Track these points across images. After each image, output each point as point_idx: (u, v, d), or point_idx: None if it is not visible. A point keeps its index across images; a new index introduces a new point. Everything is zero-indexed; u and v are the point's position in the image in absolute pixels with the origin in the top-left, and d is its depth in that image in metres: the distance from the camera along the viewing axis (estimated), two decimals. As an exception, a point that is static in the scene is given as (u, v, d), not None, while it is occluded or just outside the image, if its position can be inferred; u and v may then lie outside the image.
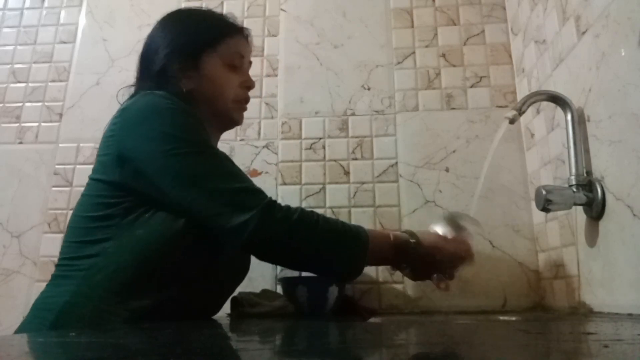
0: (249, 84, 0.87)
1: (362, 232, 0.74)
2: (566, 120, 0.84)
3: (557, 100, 0.86)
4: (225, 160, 0.73)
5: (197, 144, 0.71)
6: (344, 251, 0.73)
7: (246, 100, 0.88)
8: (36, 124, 1.34)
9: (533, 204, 0.97)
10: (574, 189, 0.80)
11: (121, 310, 0.66)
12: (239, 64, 0.85)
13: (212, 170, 0.70)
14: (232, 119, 0.86)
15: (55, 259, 0.76)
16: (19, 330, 0.71)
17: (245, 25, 1.37)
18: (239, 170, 0.74)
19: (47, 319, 0.67)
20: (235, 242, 0.69)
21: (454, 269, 0.79)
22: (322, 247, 0.72)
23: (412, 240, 0.76)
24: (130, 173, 0.71)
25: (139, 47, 0.87)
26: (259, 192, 0.71)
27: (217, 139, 0.90)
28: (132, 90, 0.84)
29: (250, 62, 0.91)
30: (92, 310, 0.66)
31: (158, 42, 0.83)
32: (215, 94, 0.82)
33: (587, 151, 0.82)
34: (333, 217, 1.17)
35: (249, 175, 1.22)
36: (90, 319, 0.66)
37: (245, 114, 1.28)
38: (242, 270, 0.86)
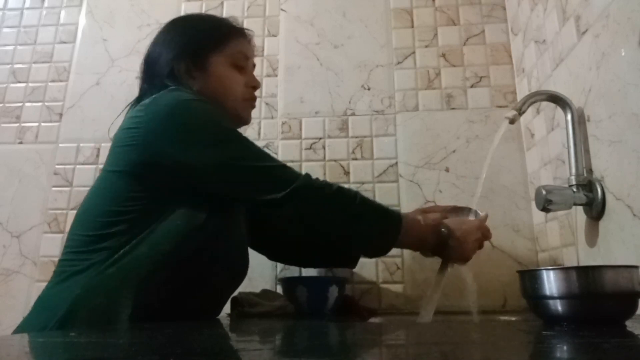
0: (254, 84, 0.89)
1: (399, 214, 0.78)
2: (566, 120, 0.84)
3: (557, 100, 0.86)
4: (255, 145, 0.76)
5: (230, 132, 0.74)
6: (378, 222, 0.76)
7: (253, 99, 0.89)
8: (36, 124, 1.34)
9: (533, 204, 0.97)
10: (574, 189, 0.80)
11: (130, 304, 0.66)
12: (244, 64, 0.87)
13: (249, 154, 0.74)
14: (241, 118, 0.88)
15: (56, 259, 0.76)
16: (22, 328, 0.70)
17: (245, 25, 1.38)
18: (265, 152, 0.79)
19: (56, 314, 0.66)
20: (287, 209, 0.72)
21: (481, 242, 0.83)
22: (359, 217, 0.75)
23: (443, 230, 0.79)
24: (159, 166, 0.71)
25: (139, 47, 0.88)
26: (289, 170, 0.76)
27: None
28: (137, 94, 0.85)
29: (254, 64, 0.93)
30: (103, 304, 0.66)
31: (163, 46, 0.84)
32: (223, 93, 0.84)
33: (587, 151, 0.82)
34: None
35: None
36: (100, 313, 0.66)
37: (245, 114, 1.30)
38: (242, 271, 0.86)
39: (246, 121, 0.89)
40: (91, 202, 0.75)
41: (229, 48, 0.85)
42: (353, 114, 1.26)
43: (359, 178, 1.20)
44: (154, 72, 0.83)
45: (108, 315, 0.66)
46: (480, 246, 0.82)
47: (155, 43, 0.86)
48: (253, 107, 0.90)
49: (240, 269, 0.85)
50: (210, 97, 0.81)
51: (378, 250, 0.81)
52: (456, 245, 0.78)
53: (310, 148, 1.24)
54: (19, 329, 0.70)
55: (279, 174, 0.73)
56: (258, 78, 1.30)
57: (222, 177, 0.72)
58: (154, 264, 0.69)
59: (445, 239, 0.78)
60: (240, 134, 0.76)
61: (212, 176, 0.72)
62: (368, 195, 1.17)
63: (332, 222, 0.75)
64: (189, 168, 0.71)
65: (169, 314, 0.69)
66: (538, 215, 1.09)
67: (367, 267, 1.14)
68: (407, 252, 1.14)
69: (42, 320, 0.68)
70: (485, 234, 0.82)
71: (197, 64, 0.82)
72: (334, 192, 0.74)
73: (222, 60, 0.84)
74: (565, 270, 0.52)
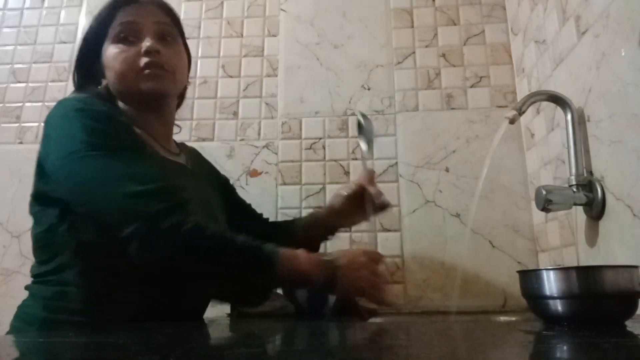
0: (147, 49, 0.76)
1: (270, 249, 0.65)
2: (566, 120, 0.84)
3: (557, 100, 0.86)
4: (132, 160, 0.67)
5: (100, 146, 0.65)
6: (246, 268, 0.64)
7: (150, 65, 0.77)
8: (36, 124, 1.33)
9: (533, 204, 0.97)
10: (574, 189, 0.80)
11: (104, 317, 0.65)
12: (131, 34, 0.78)
13: (112, 174, 0.64)
14: (141, 91, 0.77)
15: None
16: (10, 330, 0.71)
17: (245, 25, 1.38)
18: (148, 170, 0.67)
19: (33, 324, 0.67)
20: (129, 254, 0.62)
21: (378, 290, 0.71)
22: (218, 261, 0.63)
23: (329, 260, 0.68)
24: (48, 182, 0.70)
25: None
26: (153, 197, 0.63)
27: (165, 128, 0.85)
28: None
29: (163, 24, 0.81)
30: (71, 324, 0.65)
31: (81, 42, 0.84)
32: (114, 76, 0.78)
33: (587, 151, 0.82)
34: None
35: (248, 175, 1.23)
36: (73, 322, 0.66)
37: (245, 114, 1.30)
38: None
39: (148, 93, 0.77)
40: (36, 222, 0.74)
41: (111, 29, 0.78)
42: (353, 114, 1.26)
43: (359, 178, 1.20)
44: (73, 75, 0.85)
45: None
46: (374, 273, 0.70)
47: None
48: (152, 75, 0.77)
49: None
50: (112, 86, 0.79)
51: (250, 294, 0.69)
52: (344, 275, 0.67)
53: (310, 148, 1.24)
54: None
55: (130, 206, 0.62)
56: (258, 78, 1.32)
57: (78, 198, 0.66)
58: (100, 276, 0.67)
59: (333, 269, 0.67)
60: (120, 149, 0.67)
61: (72, 195, 0.67)
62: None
63: (188, 264, 0.64)
64: (58, 185, 0.68)
65: (150, 316, 0.67)
66: (538, 215, 1.09)
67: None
68: (407, 252, 1.14)
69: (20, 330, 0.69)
70: (372, 257, 0.71)
71: (97, 56, 0.80)
72: (184, 233, 0.61)
73: (109, 41, 0.78)
74: (565, 270, 0.52)
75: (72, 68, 0.84)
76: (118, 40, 0.78)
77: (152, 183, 0.64)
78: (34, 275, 0.73)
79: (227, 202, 0.93)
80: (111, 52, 0.78)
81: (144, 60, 0.76)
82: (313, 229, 0.94)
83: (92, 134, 0.66)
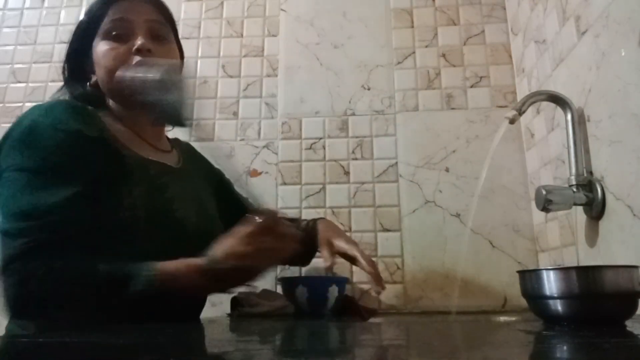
0: (138, 47, 0.74)
1: (144, 269, 0.61)
2: (566, 120, 0.84)
3: (557, 100, 0.86)
4: (32, 189, 0.62)
5: (23, 169, 0.64)
6: (111, 296, 0.60)
7: (137, 63, 0.74)
8: (36, 124, 1.34)
9: (533, 204, 0.97)
10: (574, 189, 0.80)
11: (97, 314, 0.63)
12: (123, 31, 0.75)
13: (8, 198, 0.63)
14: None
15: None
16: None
17: (245, 25, 1.38)
18: (37, 203, 0.62)
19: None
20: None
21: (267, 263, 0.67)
22: (78, 300, 0.60)
23: (208, 262, 0.63)
24: None
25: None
26: (13, 238, 0.60)
27: (156, 128, 0.83)
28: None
29: (155, 22, 0.79)
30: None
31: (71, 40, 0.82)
32: (104, 72, 0.75)
33: (587, 151, 0.82)
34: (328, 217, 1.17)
35: (248, 175, 1.23)
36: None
37: (245, 114, 1.30)
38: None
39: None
40: None
41: (102, 25, 0.76)
42: (353, 114, 1.26)
43: (359, 178, 1.20)
44: (63, 71, 0.83)
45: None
46: (280, 249, 0.64)
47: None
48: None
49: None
50: (101, 84, 0.78)
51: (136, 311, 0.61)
52: (230, 263, 0.62)
53: (310, 148, 1.24)
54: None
55: (10, 240, 0.60)
56: (258, 78, 1.32)
57: None
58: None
59: (217, 268, 0.62)
60: (38, 173, 0.63)
61: None
62: (367, 195, 1.18)
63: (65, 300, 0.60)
64: None
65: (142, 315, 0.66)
66: (538, 215, 1.09)
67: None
68: (407, 252, 1.14)
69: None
70: (257, 234, 0.64)
71: (86, 53, 0.79)
72: (39, 277, 0.58)
73: (99, 38, 0.76)
74: (565, 270, 0.52)
75: (62, 62, 0.82)
76: (109, 37, 0.76)
77: (20, 221, 0.61)
78: None
79: (222, 198, 0.92)
80: (101, 48, 0.76)
81: (134, 58, 0.74)
82: (306, 239, 0.92)
83: (24, 154, 0.65)
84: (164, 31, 0.81)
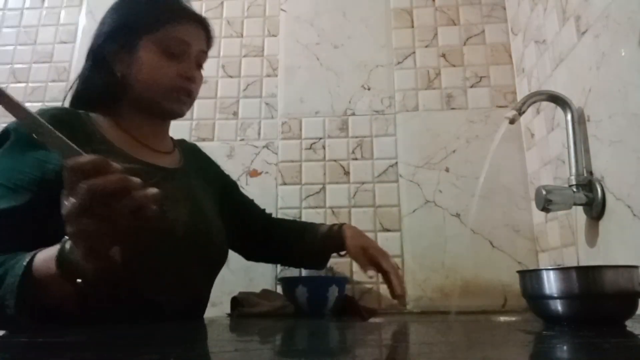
0: (187, 75, 0.78)
1: (12, 275, 0.53)
2: (566, 120, 0.84)
3: (557, 100, 0.86)
4: None
5: None
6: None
7: (184, 90, 0.78)
8: (36, 124, 1.33)
9: (533, 204, 0.97)
10: (574, 189, 0.80)
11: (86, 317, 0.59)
12: (179, 51, 0.78)
13: None
14: (164, 110, 0.79)
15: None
16: None
17: (245, 25, 1.38)
18: None
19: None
20: None
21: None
22: None
23: (60, 254, 0.51)
24: None
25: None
26: None
27: (160, 128, 0.84)
28: None
29: (204, 53, 0.83)
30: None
31: (102, 24, 0.81)
32: (144, 81, 0.77)
33: (587, 151, 0.82)
34: (326, 219, 1.17)
35: (248, 175, 1.23)
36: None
37: (245, 114, 1.30)
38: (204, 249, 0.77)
39: (171, 113, 0.80)
40: None
41: (163, 33, 0.77)
42: (353, 114, 1.26)
43: (359, 178, 1.20)
44: (89, 51, 0.81)
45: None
46: (136, 207, 0.46)
47: (100, 22, 0.82)
48: (185, 101, 0.79)
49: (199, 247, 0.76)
50: (133, 82, 0.77)
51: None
52: (73, 233, 0.47)
53: (310, 148, 1.24)
54: None
55: None
56: (258, 78, 1.32)
57: None
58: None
59: (65, 253, 0.51)
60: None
61: None
62: (367, 195, 1.18)
63: None
64: None
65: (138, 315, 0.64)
66: (538, 215, 1.09)
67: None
68: (407, 252, 1.14)
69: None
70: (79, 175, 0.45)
71: (125, 46, 0.77)
72: None
73: (152, 45, 0.77)
74: (565, 270, 0.52)
75: (101, 38, 0.79)
76: (165, 51, 0.77)
77: None
78: None
79: (228, 200, 0.92)
80: (154, 59, 0.77)
81: (181, 83, 0.78)
82: (330, 244, 0.93)
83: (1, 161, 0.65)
84: (204, 61, 0.84)
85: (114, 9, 0.82)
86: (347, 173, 1.21)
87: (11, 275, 0.53)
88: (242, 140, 1.27)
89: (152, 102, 0.78)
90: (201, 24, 0.82)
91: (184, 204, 0.77)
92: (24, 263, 0.53)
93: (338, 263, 1.15)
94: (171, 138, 0.89)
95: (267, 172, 1.24)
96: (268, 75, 1.32)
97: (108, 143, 0.73)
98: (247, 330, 0.63)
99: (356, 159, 1.22)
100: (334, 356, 0.36)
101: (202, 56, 0.83)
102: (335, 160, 1.22)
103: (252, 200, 1.00)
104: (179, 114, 0.80)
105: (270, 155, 1.25)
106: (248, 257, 1.01)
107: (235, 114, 1.29)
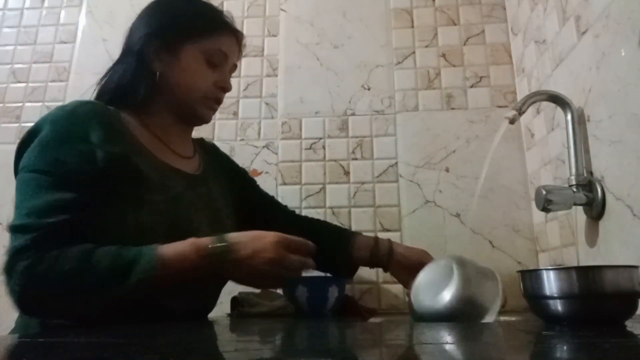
0: (224, 85, 0.83)
1: (146, 257, 0.61)
2: (566, 120, 0.84)
3: (557, 100, 0.86)
4: (47, 188, 0.63)
5: (36, 169, 0.65)
6: (115, 285, 0.60)
7: (217, 100, 0.84)
8: (36, 124, 1.33)
9: (533, 204, 0.97)
10: (574, 189, 0.80)
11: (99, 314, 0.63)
12: (219, 62, 0.82)
13: (18, 200, 0.64)
14: (196, 115, 0.82)
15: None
16: (13, 330, 0.71)
17: (245, 25, 1.38)
18: (52, 200, 0.62)
19: (33, 326, 0.67)
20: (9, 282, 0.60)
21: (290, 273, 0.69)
22: (84, 289, 0.60)
23: (218, 244, 0.64)
24: None
25: (139, 47, 0.87)
26: (22, 232, 0.60)
27: (184, 130, 0.86)
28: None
29: (235, 66, 0.88)
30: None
31: (143, 21, 0.82)
32: (184, 85, 0.79)
33: (587, 151, 0.82)
34: (325, 219, 1.17)
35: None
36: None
37: (245, 114, 1.30)
38: None
39: (202, 119, 0.84)
40: None
41: (209, 43, 0.80)
42: (353, 114, 1.26)
43: (359, 178, 1.20)
44: (127, 46, 0.81)
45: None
46: (282, 266, 0.66)
47: (139, 17, 0.83)
48: (215, 108, 0.85)
49: None
50: (171, 84, 0.79)
51: (127, 303, 0.62)
52: (237, 266, 0.64)
53: (310, 148, 1.24)
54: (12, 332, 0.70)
55: (10, 239, 0.61)
56: (258, 78, 1.32)
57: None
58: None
59: (220, 255, 0.64)
60: (52, 174, 0.64)
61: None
62: (367, 195, 1.18)
63: (54, 295, 0.61)
64: None
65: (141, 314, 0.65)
66: (538, 215, 1.09)
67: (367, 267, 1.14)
68: (407, 252, 1.14)
69: (25, 323, 0.69)
70: (290, 246, 0.67)
71: (169, 47, 0.79)
72: (47, 263, 0.59)
73: (197, 52, 0.80)
74: (565, 270, 0.52)
75: (142, 35, 0.79)
76: (207, 60, 0.81)
77: (31, 217, 0.61)
78: None
79: (246, 196, 0.94)
80: (195, 65, 0.80)
81: (215, 92, 0.82)
82: (366, 258, 0.92)
83: (42, 153, 0.66)
84: (233, 72, 0.88)
85: (158, 7, 0.83)
86: (347, 173, 1.21)
87: (146, 256, 0.61)
88: (242, 140, 1.27)
89: (186, 106, 0.80)
90: (238, 39, 0.86)
91: (205, 213, 0.78)
92: (155, 252, 0.62)
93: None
94: (192, 139, 0.90)
95: (267, 172, 1.24)
96: (268, 75, 1.32)
97: (138, 144, 0.74)
98: (247, 330, 0.63)
99: (356, 159, 1.22)
100: (334, 356, 0.36)
101: (234, 68, 0.87)
102: (335, 160, 1.22)
103: (272, 197, 1.01)
104: (206, 121, 0.85)
105: (270, 155, 1.25)
106: None
107: (235, 114, 1.29)
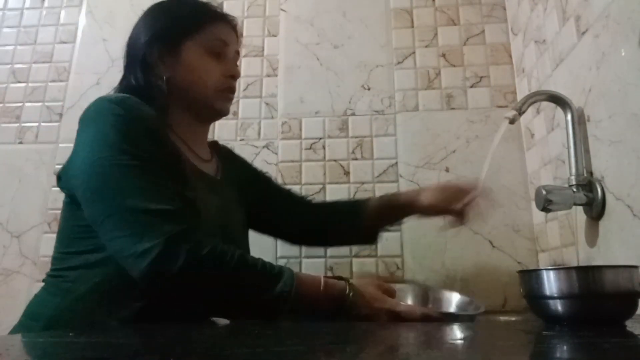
0: (232, 73, 0.83)
1: (287, 274, 0.64)
2: (566, 120, 0.84)
3: (557, 100, 0.86)
4: (157, 174, 0.64)
5: (129, 154, 0.64)
6: (261, 292, 0.62)
7: (230, 89, 0.83)
8: (36, 124, 1.33)
9: (533, 204, 0.97)
10: (574, 189, 0.80)
11: (108, 319, 0.65)
12: (221, 51, 0.82)
13: (132, 185, 0.62)
14: (214, 109, 0.82)
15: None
16: (13, 332, 0.71)
17: (245, 25, 1.38)
18: (172, 188, 0.64)
19: (34, 329, 0.67)
20: (135, 273, 0.59)
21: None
22: (234, 285, 0.63)
23: (349, 294, 0.67)
24: (68, 182, 0.71)
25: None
26: (174, 218, 0.61)
27: (203, 130, 0.87)
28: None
29: (238, 52, 0.87)
30: (79, 323, 0.65)
31: (140, 29, 0.82)
32: (193, 82, 0.79)
33: (587, 151, 0.82)
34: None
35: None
36: (81, 319, 0.65)
37: (245, 114, 1.30)
38: None
39: (221, 112, 0.83)
40: (63, 216, 0.74)
41: (205, 34, 0.80)
42: (353, 114, 1.26)
43: (359, 178, 1.20)
44: (130, 56, 0.82)
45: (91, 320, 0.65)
46: (389, 312, 0.67)
47: (135, 27, 0.83)
48: (230, 98, 0.84)
49: None
50: (181, 86, 0.79)
51: (270, 316, 0.64)
52: (359, 309, 0.67)
53: (310, 148, 1.24)
54: (12, 332, 0.71)
55: (145, 224, 0.60)
56: (258, 78, 1.32)
57: (89, 205, 0.64)
58: (122, 278, 0.63)
59: (346, 303, 0.66)
60: (148, 160, 0.64)
61: (84, 202, 0.65)
62: (367, 195, 1.18)
63: (198, 292, 0.63)
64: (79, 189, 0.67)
65: (156, 319, 0.66)
66: (538, 215, 1.09)
67: (367, 267, 1.14)
68: (407, 252, 1.14)
69: (27, 326, 0.69)
70: (387, 292, 0.70)
71: (170, 49, 0.79)
72: (204, 255, 0.60)
73: (196, 46, 0.80)
74: (565, 270, 0.52)
75: (142, 43, 0.80)
76: (207, 52, 0.80)
77: (171, 203, 0.62)
78: (59, 268, 0.71)
79: (262, 195, 0.95)
80: (197, 60, 0.79)
81: (228, 82, 0.82)
82: (384, 214, 0.95)
83: (126, 140, 0.65)
84: (238, 60, 0.88)
85: (148, 16, 0.83)
86: (347, 173, 1.21)
87: (287, 272, 0.64)
88: (242, 140, 1.27)
89: (201, 103, 0.80)
90: (232, 25, 0.85)
91: (221, 220, 0.78)
92: (292, 271, 0.65)
93: (338, 263, 1.15)
94: (207, 143, 0.90)
95: (267, 172, 1.23)
96: (268, 75, 1.32)
97: (176, 148, 0.74)
98: (247, 330, 0.63)
99: (356, 159, 1.22)
100: (333, 356, 0.36)
101: (237, 56, 0.87)
102: (335, 160, 1.22)
103: (289, 190, 1.03)
104: (224, 113, 0.84)
105: (270, 155, 1.25)
106: (297, 242, 1.06)
107: (235, 114, 1.29)
